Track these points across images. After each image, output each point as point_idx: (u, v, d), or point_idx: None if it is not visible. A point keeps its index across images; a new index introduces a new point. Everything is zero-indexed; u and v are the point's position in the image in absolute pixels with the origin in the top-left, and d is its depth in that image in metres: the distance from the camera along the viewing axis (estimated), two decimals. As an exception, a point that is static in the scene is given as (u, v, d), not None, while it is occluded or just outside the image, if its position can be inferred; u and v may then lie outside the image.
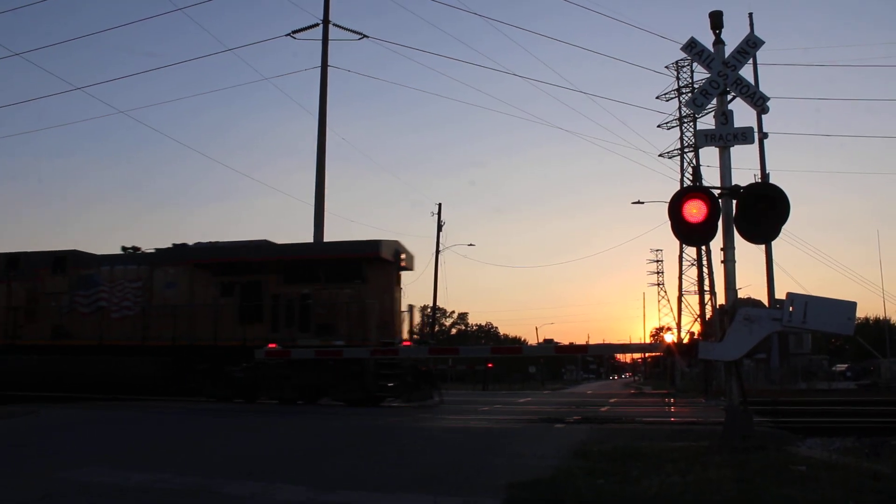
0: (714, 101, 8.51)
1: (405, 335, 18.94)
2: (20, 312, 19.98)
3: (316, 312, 17.58)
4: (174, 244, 19.97)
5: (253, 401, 17.66)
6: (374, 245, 17.82)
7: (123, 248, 20.39)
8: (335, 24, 27.09)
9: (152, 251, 20.00)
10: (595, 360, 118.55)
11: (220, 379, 17.72)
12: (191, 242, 19.97)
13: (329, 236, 25.41)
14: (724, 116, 8.21)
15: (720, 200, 7.97)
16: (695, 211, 7.93)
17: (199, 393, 18.17)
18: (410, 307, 19.65)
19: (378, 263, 17.86)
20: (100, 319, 19.24)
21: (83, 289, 19.64)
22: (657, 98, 51.83)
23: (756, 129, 8.73)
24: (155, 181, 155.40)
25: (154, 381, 18.24)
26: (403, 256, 18.84)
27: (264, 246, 19.37)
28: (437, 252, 49.96)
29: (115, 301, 19.30)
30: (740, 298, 8.24)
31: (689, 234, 8.33)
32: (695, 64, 40.67)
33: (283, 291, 17.98)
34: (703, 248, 38.57)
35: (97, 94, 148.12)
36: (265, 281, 18.23)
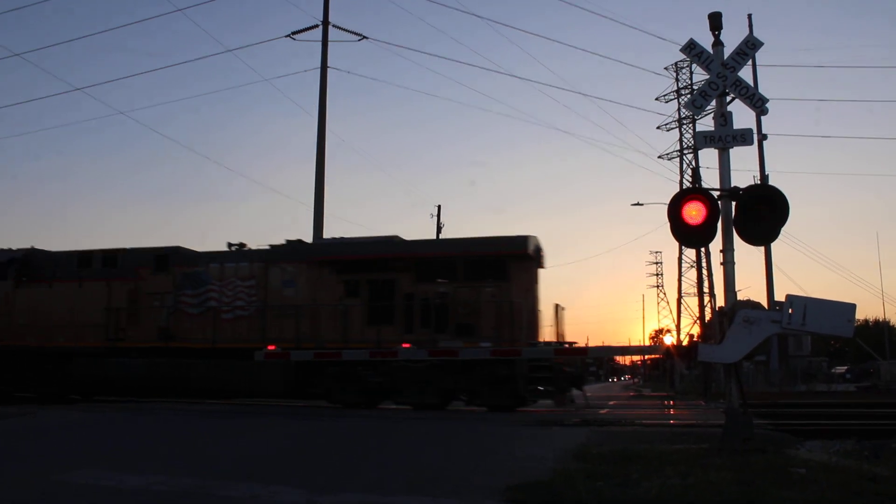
0: (713, 103, 8.50)
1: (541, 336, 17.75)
2: (122, 313, 19.00)
3: (455, 312, 16.66)
4: (288, 240, 19.01)
5: (374, 406, 16.78)
6: (522, 241, 16.93)
7: (229, 245, 19.29)
8: (335, 26, 27.10)
9: (266, 248, 18.91)
10: (594, 362, 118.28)
11: (349, 383, 16.68)
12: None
13: (327, 234, 25.25)
14: (724, 118, 8.20)
15: (719, 202, 7.97)
16: (694, 213, 7.93)
17: (323, 397, 17.17)
18: (557, 306, 18.39)
19: (522, 260, 17.00)
20: (211, 320, 18.21)
21: (189, 287, 18.61)
22: (656, 99, 51.93)
23: (755, 131, 8.72)
24: (149, 180, 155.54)
25: (274, 386, 17.19)
26: (543, 253, 18.14)
27: (394, 241, 18.43)
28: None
29: (227, 301, 18.24)
30: (740, 300, 8.21)
31: (689, 235, 8.32)
32: (694, 65, 40.87)
33: (417, 290, 16.99)
34: (703, 249, 38.56)
35: (94, 94, 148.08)
36: (397, 279, 17.27)
